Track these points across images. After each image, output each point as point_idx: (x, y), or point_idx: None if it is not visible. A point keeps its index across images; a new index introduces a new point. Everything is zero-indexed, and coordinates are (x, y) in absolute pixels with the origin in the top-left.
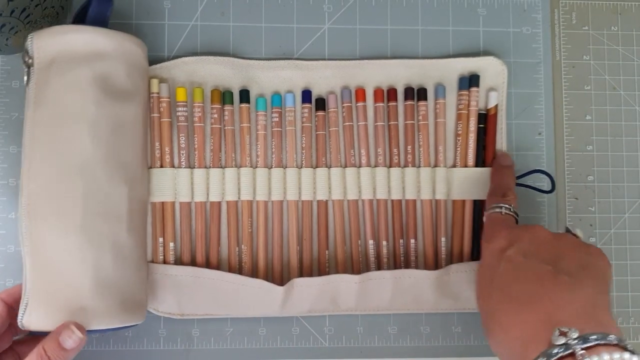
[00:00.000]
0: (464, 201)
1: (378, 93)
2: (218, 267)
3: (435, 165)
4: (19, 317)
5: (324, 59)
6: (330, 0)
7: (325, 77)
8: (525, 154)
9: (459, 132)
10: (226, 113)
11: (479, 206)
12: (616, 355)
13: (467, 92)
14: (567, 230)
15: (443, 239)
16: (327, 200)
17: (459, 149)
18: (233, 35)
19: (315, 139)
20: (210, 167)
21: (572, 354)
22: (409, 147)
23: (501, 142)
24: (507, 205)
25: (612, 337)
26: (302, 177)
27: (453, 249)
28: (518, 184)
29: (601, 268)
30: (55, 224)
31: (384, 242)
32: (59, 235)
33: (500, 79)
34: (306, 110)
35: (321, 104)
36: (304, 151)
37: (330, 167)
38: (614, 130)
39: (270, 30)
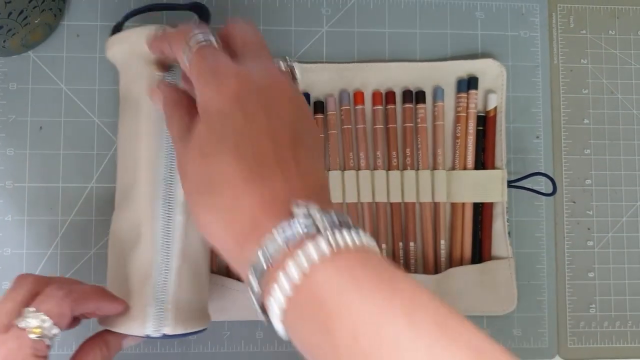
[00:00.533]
0: (463, 204)
1: (376, 96)
2: (217, 272)
3: (434, 168)
4: (150, 329)
5: (322, 62)
6: (328, 3)
7: (323, 80)
8: (524, 157)
9: (458, 135)
10: None
11: (478, 209)
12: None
13: (465, 95)
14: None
15: (442, 242)
16: None
17: (457, 151)
18: None
19: None
20: None
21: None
22: (408, 150)
23: (500, 144)
24: (204, 34)
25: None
26: None
27: (452, 251)
28: (518, 187)
29: (317, 135)
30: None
31: (383, 245)
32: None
33: (499, 81)
34: None
35: (320, 106)
36: None
37: (329, 170)
38: (611, 134)
39: (268, 33)
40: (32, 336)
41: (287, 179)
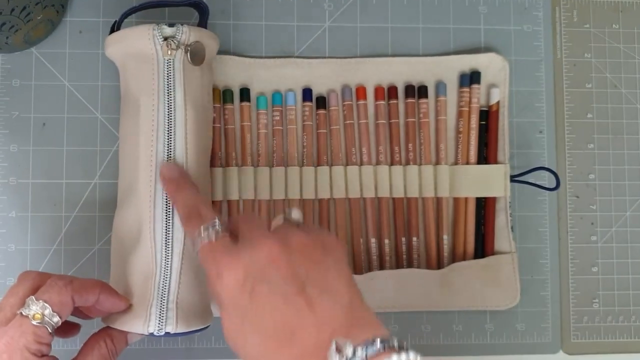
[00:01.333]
0: (466, 198)
1: (379, 91)
2: None
3: (437, 163)
4: (153, 327)
5: (325, 57)
6: None
7: (326, 75)
8: (527, 152)
9: (461, 130)
10: (226, 112)
11: (481, 203)
12: (395, 358)
13: (468, 89)
14: (285, 220)
15: (445, 237)
16: (328, 198)
17: (460, 146)
18: (233, 33)
19: (316, 137)
20: (210, 167)
21: None
22: (410, 145)
23: (503, 139)
24: (212, 226)
25: (378, 343)
26: (303, 176)
27: (455, 246)
28: (521, 182)
29: (338, 257)
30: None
31: (386, 241)
32: None
33: (501, 75)
34: (307, 108)
35: (322, 102)
36: (305, 150)
37: (332, 165)
38: (615, 128)
39: (270, 28)
40: (34, 322)
41: (314, 332)
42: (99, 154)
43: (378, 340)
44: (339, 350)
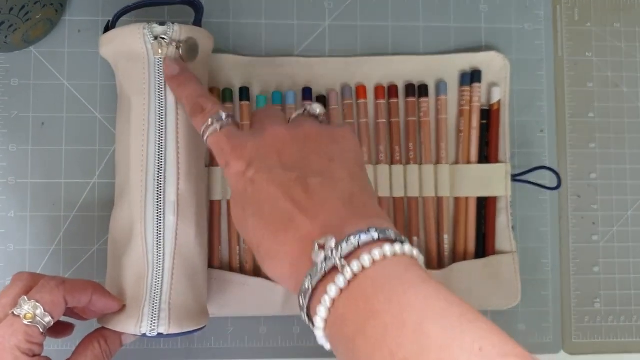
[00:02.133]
0: (467, 198)
1: (379, 90)
2: (219, 267)
3: (438, 162)
4: (145, 328)
5: (325, 56)
6: None
7: (326, 74)
8: (528, 151)
9: (461, 129)
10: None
11: (482, 203)
12: (377, 252)
13: (469, 88)
14: (305, 112)
15: (446, 237)
16: None
17: (461, 145)
18: (233, 32)
19: None
20: (209, 166)
21: (336, 267)
22: (411, 144)
23: (504, 138)
24: (216, 118)
25: (373, 232)
26: None
27: (456, 246)
28: (522, 181)
29: (351, 150)
30: (196, 222)
31: None
32: (198, 233)
33: (502, 74)
34: None
35: (322, 101)
36: None
37: None
38: (616, 128)
39: (270, 27)
40: (25, 321)
41: (308, 219)
42: (98, 153)
43: (373, 229)
44: (321, 246)
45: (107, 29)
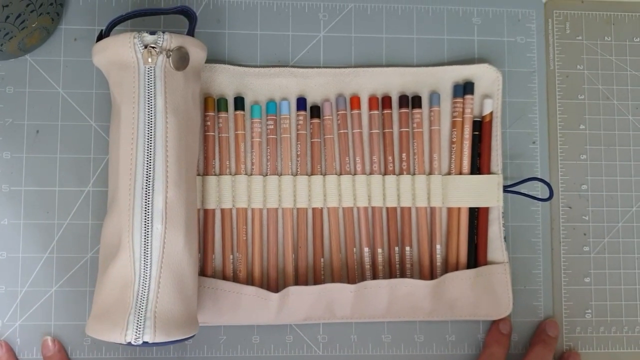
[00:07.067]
0: (459, 209)
1: (373, 101)
2: (212, 275)
3: (430, 173)
4: (130, 336)
5: (319, 67)
6: (325, 8)
7: (320, 85)
8: (520, 162)
9: (454, 140)
10: (220, 120)
11: (474, 213)
12: None
13: (461, 100)
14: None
15: (438, 247)
16: (322, 207)
17: (453, 156)
18: (228, 42)
19: (310, 146)
20: (204, 175)
21: None
22: (404, 155)
23: (496, 149)
24: None
25: None
26: (297, 185)
27: (448, 256)
28: (514, 192)
29: None
30: (185, 231)
31: (379, 250)
32: (188, 242)
33: (495, 86)
34: (301, 117)
35: (316, 111)
36: (299, 159)
37: (325, 174)
38: (607, 140)
39: (265, 37)
40: None
41: None
42: (92, 161)
43: None
44: None
45: (100, 37)
